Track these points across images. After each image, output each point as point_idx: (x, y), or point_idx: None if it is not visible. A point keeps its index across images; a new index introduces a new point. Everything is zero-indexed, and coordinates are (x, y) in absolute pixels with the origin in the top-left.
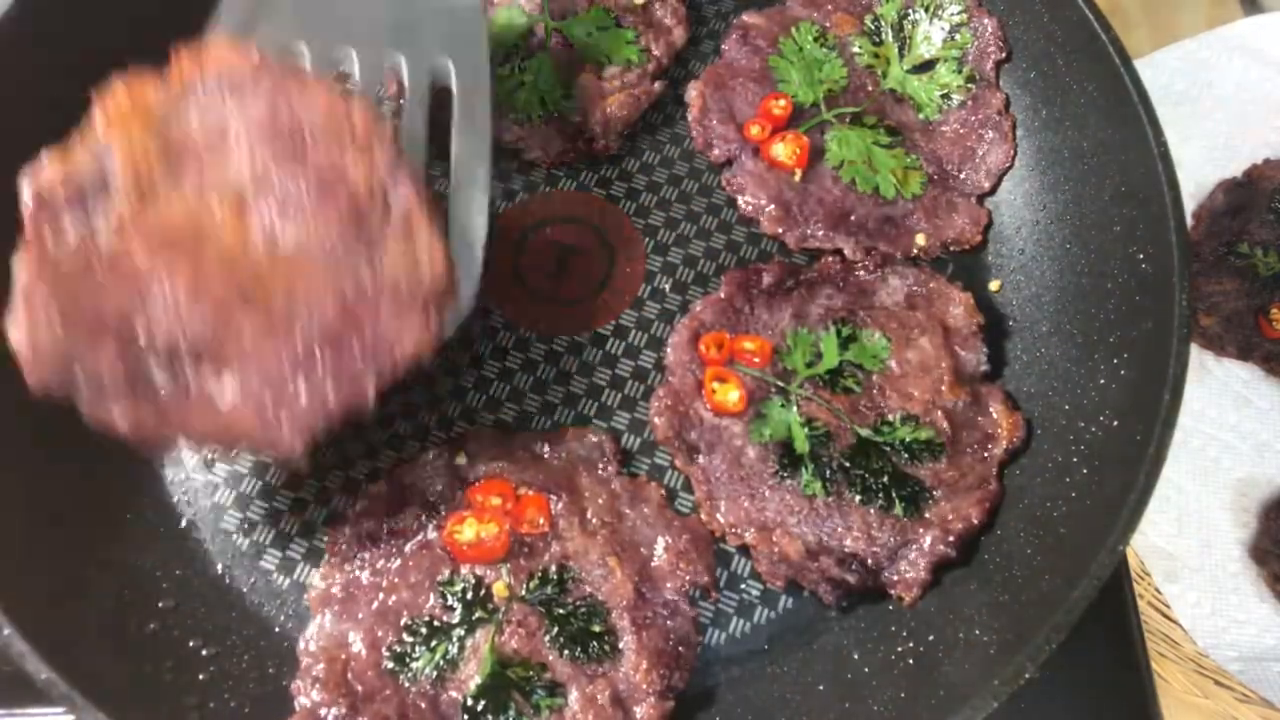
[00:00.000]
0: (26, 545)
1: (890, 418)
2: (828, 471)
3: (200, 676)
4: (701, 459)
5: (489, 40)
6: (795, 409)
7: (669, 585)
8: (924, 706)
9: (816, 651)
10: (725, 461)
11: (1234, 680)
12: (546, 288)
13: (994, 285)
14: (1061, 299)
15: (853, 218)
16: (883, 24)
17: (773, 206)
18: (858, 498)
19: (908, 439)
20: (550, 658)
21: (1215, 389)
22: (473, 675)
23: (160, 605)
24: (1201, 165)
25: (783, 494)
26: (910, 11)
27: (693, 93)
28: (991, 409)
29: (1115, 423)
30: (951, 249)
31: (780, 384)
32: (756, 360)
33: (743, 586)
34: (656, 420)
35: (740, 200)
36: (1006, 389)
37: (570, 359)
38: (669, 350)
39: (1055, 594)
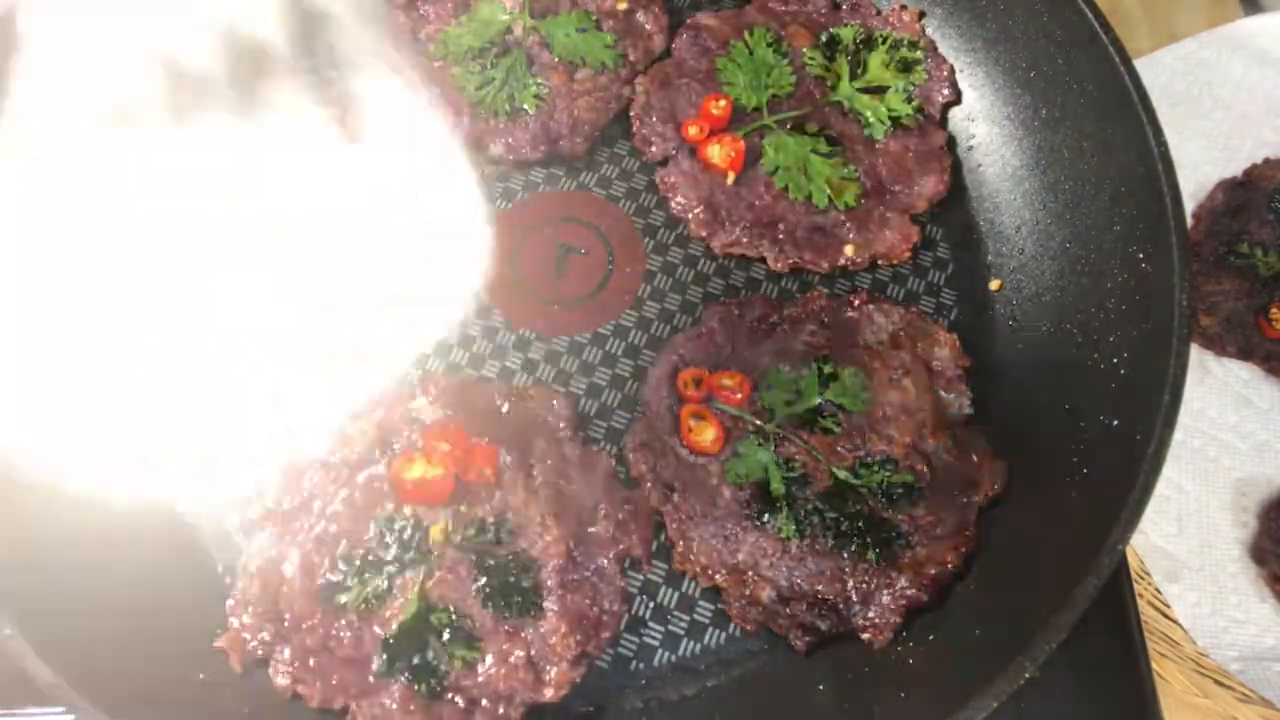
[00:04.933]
0: (27, 545)
1: (869, 460)
2: (802, 514)
3: (200, 676)
4: (675, 497)
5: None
6: (773, 448)
7: (603, 552)
8: (924, 706)
9: (816, 652)
10: (700, 501)
11: (1234, 680)
12: (546, 288)
13: (994, 285)
14: (1061, 299)
15: (781, 225)
16: (839, 43)
17: (700, 208)
18: (831, 542)
19: (885, 483)
20: (474, 609)
21: (1215, 389)
22: (397, 614)
23: (160, 605)
24: (1201, 165)
25: (756, 536)
26: (869, 38)
27: (637, 89)
28: (973, 454)
29: (1115, 422)
30: (879, 263)
31: (758, 422)
32: (736, 397)
33: None
34: (630, 456)
35: (671, 200)
36: (988, 435)
37: (570, 359)
38: (648, 385)
39: (1055, 594)
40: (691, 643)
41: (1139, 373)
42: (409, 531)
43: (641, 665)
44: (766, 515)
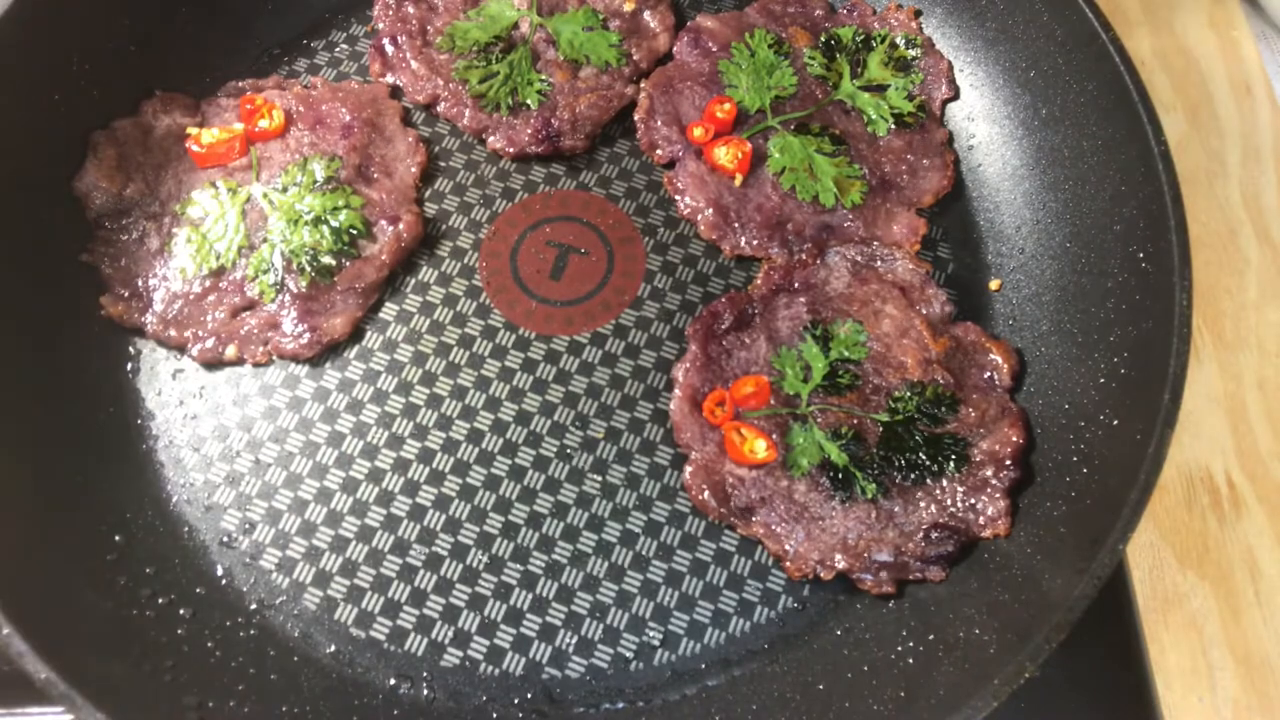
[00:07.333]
0: (26, 545)
1: (897, 394)
2: (873, 468)
3: (200, 676)
4: (758, 516)
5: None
6: (816, 427)
7: None
8: (924, 706)
9: (816, 651)
10: (781, 506)
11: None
12: (547, 288)
13: (994, 285)
14: (1061, 299)
15: (790, 225)
16: (838, 43)
17: (710, 210)
18: (911, 477)
19: (921, 404)
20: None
21: None
22: None
23: (160, 605)
24: None
25: (846, 510)
26: (868, 38)
27: (640, 93)
28: (977, 346)
29: (1115, 423)
30: None
31: (791, 410)
32: (760, 398)
33: (744, 586)
34: (699, 498)
35: (679, 202)
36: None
37: (570, 359)
38: (674, 430)
39: (1055, 594)
40: (691, 642)
41: (1139, 373)
42: None
43: (641, 665)
44: (845, 486)
